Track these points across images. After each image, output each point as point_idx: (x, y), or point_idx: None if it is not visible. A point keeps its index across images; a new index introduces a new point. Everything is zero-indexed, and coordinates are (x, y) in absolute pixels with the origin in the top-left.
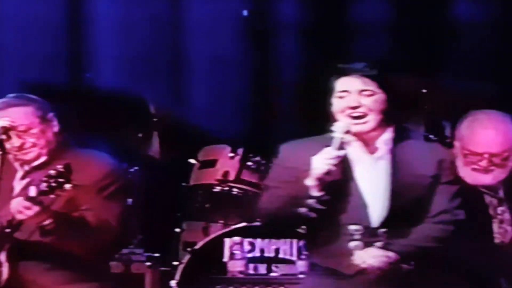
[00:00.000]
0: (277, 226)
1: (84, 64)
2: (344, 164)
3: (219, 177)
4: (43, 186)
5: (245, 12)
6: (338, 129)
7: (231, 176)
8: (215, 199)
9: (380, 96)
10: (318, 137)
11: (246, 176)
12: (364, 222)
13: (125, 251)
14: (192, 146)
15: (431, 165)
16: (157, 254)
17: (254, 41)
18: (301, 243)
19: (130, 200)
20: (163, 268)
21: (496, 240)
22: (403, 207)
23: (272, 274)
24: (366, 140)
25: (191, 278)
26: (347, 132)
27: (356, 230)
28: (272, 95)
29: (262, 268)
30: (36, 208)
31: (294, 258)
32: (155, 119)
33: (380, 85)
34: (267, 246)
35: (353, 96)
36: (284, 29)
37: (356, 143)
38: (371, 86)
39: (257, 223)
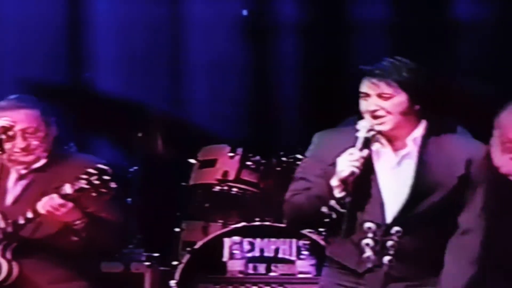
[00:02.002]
0: (299, 222)
1: (83, 64)
2: (366, 161)
3: (218, 176)
4: (82, 183)
5: (244, 12)
6: (361, 128)
7: (231, 176)
8: (214, 199)
9: (400, 97)
10: (352, 128)
11: (245, 175)
12: (379, 220)
13: (125, 251)
14: (191, 145)
15: (459, 165)
16: (156, 254)
17: (254, 41)
18: (301, 243)
19: (129, 200)
20: (162, 268)
21: None
22: (422, 207)
23: (272, 273)
24: (395, 137)
25: (191, 277)
26: (371, 131)
27: (369, 228)
28: (272, 95)
29: (262, 268)
30: (69, 206)
31: (293, 258)
32: (154, 119)
33: (400, 86)
34: (266, 246)
35: (373, 99)
36: (284, 29)
37: (382, 140)
38: (390, 89)
39: (257, 223)
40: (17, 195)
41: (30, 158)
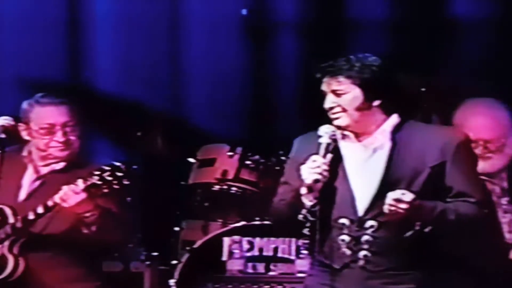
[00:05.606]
0: (282, 225)
1: (83, 63)
2: (335, 158)
3: (218, 176)
4: (95, 179)
5: (244, 11)
6: (323, 134)
7: (230, 175)
8: (214, 198)
9: (353, 93)
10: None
11: (245, 175)
12: (351, 215)
13: (124, 250)
14: (191, 144)
15: (433, 155)
16: (156, 253)
17: (253, 40)
18: (300, 242)
19: (129, 199)
20: (162, 267)
21: (504, 231)
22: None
23: (271, 273)
24: (362, 132)
25: (190, 277)
26: (333, 136)
27: (344, 224)
28: (271, 94)
29: (261, 267)
30: (83, 196)
31: (292, 257)
32: (154, 118)
33: (352, 82)
34: (266, 245)
35: (329, 97)
36: (283, 28)
37: (350, 135)
38: (342, 85)
39: (256, 222)
40: (31, 192)
41: (65, 153)
